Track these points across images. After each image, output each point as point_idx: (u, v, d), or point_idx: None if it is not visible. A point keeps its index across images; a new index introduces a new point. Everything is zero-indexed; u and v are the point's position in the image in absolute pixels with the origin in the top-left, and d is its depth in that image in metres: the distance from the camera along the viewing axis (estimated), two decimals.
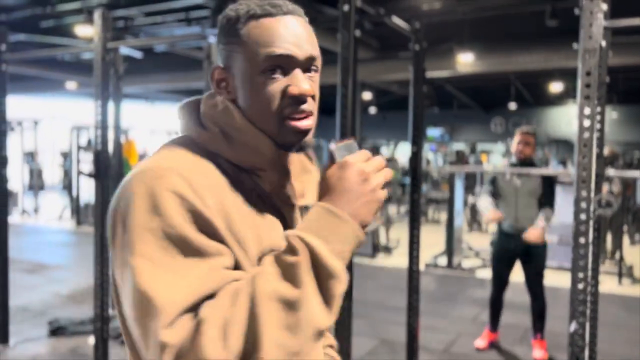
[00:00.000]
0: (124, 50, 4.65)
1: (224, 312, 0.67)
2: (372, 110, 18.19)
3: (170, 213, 0.71)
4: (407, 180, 7.37)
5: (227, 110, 0.84)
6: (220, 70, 0.86)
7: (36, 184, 11.06)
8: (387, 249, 7.48)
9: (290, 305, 0.67)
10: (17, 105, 16.06)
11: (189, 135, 0.86)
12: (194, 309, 0.68)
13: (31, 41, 10.13)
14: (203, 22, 8.89)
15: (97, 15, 3.40)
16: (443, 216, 9.48)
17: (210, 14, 6.53)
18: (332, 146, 0.81)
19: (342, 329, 2.53)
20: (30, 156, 11.47)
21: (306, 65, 0.83)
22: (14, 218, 10.34)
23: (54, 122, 14.97)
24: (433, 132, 18.30)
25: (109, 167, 3.45)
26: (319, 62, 0.86)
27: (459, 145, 15.87)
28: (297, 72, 0.82)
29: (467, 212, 9.47)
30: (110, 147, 4.74)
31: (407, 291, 3.32)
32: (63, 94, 14.58)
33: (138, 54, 7.35)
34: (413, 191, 3.37)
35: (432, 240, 7.75)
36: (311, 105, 0.84)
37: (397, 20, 3.12)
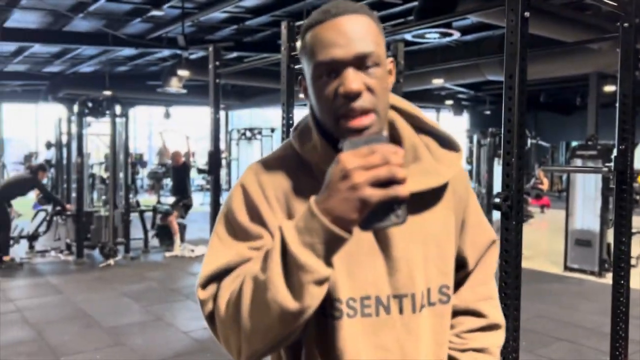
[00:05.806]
0: None
1: (229, 284, 0.85)
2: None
3: (234, 203, 0.93)
4: None
5: (309, 114, 0.96)
6: (302, 79, 0.95)
7: None
8: None
9: (260, 285, 0.79)
10: (257, 115, 18.34)
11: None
12: (219, 277, 0.88)
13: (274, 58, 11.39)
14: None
15: (283, 25, 3.60)
16: None
17: (414, 16, 6.44)
18: (346, 140, 0.76)
19: (504, 347, 2.20)
20: None
21: (358, 63, 0.85)
22: None
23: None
24: None
25: None
26: (377, 57, 0.86)
27: None
28: (348, 71, 0.85)
29: None
30: None
31: (611, 316, 2.75)
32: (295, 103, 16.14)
33: None
34: (619, 198, 2.77)
35: None
36: (367, 101, 0.85)
37: None
